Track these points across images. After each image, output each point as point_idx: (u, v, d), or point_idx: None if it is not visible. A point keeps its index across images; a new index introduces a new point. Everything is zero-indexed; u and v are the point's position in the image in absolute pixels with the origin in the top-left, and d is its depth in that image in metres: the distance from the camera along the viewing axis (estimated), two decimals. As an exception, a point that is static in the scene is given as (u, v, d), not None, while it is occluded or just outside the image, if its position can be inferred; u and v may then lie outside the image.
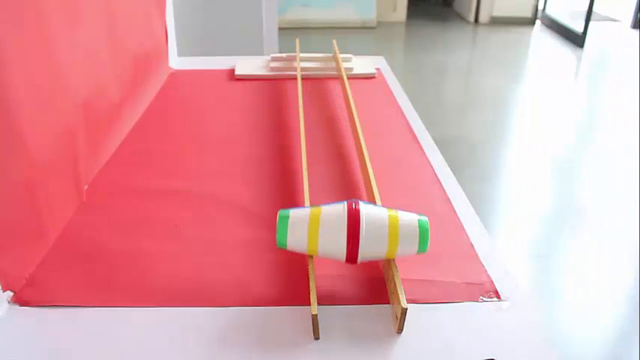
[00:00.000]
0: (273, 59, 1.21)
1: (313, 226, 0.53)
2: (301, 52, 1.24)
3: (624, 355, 1.53)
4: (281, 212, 0.54)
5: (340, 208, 0.53)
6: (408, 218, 0.54)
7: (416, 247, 0.53)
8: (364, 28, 5.07)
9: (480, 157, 2.60)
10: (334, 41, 1.29)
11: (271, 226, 0.66)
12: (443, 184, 0.76)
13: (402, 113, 0.99)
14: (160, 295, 0.56)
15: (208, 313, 0.53)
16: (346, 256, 0.53)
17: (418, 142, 0.88)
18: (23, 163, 0.58)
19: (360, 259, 0.53)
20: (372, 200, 0.67)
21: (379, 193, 0.66)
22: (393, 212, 0.54)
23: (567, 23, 4.73)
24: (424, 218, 0.54)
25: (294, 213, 0.54)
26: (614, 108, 3.27)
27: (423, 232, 0.53)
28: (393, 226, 0.53)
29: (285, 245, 0.54)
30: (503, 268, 0.60)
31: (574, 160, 2.60)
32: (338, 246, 0.53)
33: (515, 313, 0.54)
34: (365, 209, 0.53)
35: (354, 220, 0.52)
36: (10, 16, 0.55)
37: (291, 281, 0.57)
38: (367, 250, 0.53)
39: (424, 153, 0.84)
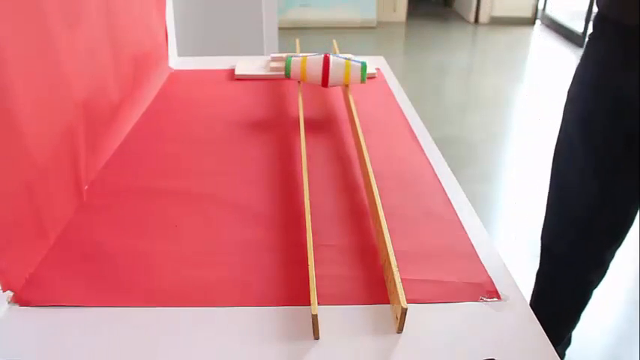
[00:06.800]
0: (273, 59, 1.21)
1: (303, 63, 0.92)
2: (301, 52, 1.24)
3: (624, 355, 1.53)
4: (288, 58, 0.93)
5: (320, 57, 0.92)
6: (357, 62, 0.93)
7: (359, 76, 0.93)
8: (364, 28, 5.06)
9: (480, 157, 2.60)
10: (334, 41, 1.29)
11: (271, 226, 0.66)
12: (443, 184, 0.76)
13: (402, 113, 0.99)
14: (159, 295, 0.56)
15: (208, 313, 0.53)
16: (321, 81, 0.92)
17: (418, 142, 0.88)
18: (23, 163, 0.58)
19: (330, 83, 0.92)
20: (372, 200, 0.67)
21: (379, 193, 0.66)
22: (348, 60, 0.93)
23: (567, 23, 4.73)
24: (365, 62, 0.93)
25: (293, 58, 0.93)
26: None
27: (363, 67, 0.93)
28: (348, 65, 0.92)
29: (290, 74, 0.93)
30: (503, 268, 0.60)
31: (574, 160, 2.60)
32: (317, 74, 0.92)
33: (515, 313, 0.54)
34: (332, 57, 0.92)
35: (326, 61, 0.91)
36: (10, 16, 0.55)
37: (291, 281, 0.57)
38: (333, 77, 0.92)
39: (424, 153, 0.84)
